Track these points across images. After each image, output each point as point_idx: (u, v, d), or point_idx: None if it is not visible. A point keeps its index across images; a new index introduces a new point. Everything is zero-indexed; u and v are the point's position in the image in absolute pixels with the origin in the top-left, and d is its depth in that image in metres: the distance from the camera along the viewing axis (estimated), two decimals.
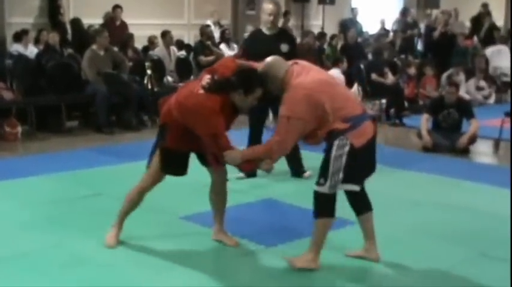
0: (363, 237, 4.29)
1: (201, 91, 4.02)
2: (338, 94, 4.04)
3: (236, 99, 4.06)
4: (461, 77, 11.47)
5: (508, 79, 12.70)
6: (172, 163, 4.33)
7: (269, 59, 4.20)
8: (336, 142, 3.95)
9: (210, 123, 3.98)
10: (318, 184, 4.02)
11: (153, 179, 4.42)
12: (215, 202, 4.57)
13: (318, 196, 4.04)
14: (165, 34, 10.75)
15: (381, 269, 4.22)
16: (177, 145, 4.24)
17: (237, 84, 3.99)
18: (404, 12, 15.11)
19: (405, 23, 14.64)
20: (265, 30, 6.27)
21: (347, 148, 3.93)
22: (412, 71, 11.13)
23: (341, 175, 3.95)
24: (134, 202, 4.49)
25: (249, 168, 4.29)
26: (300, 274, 4.09)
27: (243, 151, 4.21)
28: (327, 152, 4.01)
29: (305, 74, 4.03)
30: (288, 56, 6.23)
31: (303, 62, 4.23)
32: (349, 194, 4.18)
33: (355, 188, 4.09)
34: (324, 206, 4.04)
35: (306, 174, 6.41)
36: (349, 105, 4.02)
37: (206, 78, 4.07)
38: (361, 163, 4.05)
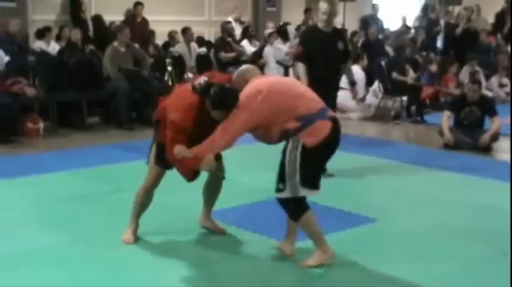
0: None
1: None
2: (291, 92, 3.98)
3: (208, 106, 3.99)
4: (477, 70, 11.29)
5: None
6: (164, 156, 4.29)
7: (244, 67, 4.29)
8: (289, 143, 3.92)
9: (177, 113, 4.04)
10: (278, 190, 3.99)
11: (154, 176, 4.46)
12: (209, 195, 4.70)
13: (283, 202, 4.02)
14: (185, 31, 10.79)
15: (402, 267, 4.19)
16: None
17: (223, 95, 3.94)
18: (425, 8, 14.99)
19: (427, 19, 14.52)
20: (321, 27, 6.31)
21: (299, 149, 3.87)
22: (433, 68, 11.05)
23: (298, 178, 3.89)
24: (142, 202, 4.54)
25: (191, 164, 4.04)
26: (300, 273, 4.08)
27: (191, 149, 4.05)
28: (282, 154, 3.98)
29: (264, 77, 4.17)
30: (343, 54, 6.38)
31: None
32: None
33: (315, 193, 4.02)
34: (294, 209, 4.03)
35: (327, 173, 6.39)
36: (301, 104, 3.93)
37: (201, 79, 4.13)
38: (317, 165, 4.02)
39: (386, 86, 10.11)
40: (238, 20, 12.94)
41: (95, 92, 9.00)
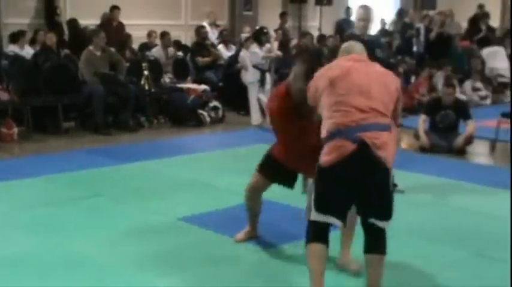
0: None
1: None
2: (344, 94, 3.42)
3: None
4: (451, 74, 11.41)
5: (504, 80, 12.73)
6: (271, 168, 4.36)
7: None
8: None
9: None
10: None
11: (253, 182, 4.49)
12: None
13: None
14: (163, 35, 10.74)
15: None
16: (281, 156, 4.30)
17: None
18: (400, 13, 15.12)
19: (402, 24, 14.65)
20: (359, 34, 6.22)
21: (318, 165, 3.46)
22: (400, 69, 11.11)
23: (313, 197, 3.49)
24: (248, 206, 4.58)
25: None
26: (299, 277, 4.08)
27: None
28: None
29: (348, 60, 3.67)
30: (381, 61, 6.34)
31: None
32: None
33: (331, 220, 3.46)
34: (306, 233, 3.57)
35: None
36: (339, 114, 3.40)
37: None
38: (329, 189, 3.44)
39: None
40: (213, 24, 12.93)
41: (71, 96, 8.92)
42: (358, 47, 3.79)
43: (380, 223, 3.45)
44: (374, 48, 6.08)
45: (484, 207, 5.64)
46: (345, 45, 3.89)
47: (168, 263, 4.26)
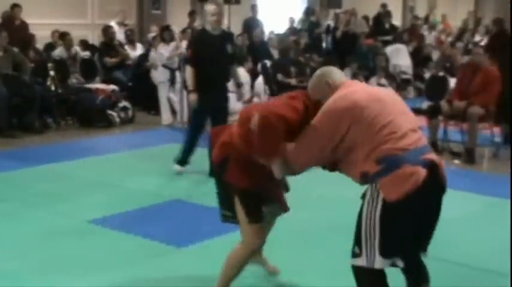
0: None
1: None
2: (383, 118, 2.94)
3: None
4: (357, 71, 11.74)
5: (407, 77, 13.23)
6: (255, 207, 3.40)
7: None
8: (368, 194, 2.95)
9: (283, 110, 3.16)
10: (353, 254, 3.00)
11: (252, 235, 3.44)
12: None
13: (355, 271, 3.01)
14: (64, 36, 10.45)
15: (292, 266, 4.27)
16: (246, 182, 3.34)
17: None
18: (307, 11, 15.41)
19: (309, 22, 14.94)
20: (210, 30, 6.33)
21: (379, 204, 2.88)
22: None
23: (377, 243, 2.88)
24: (239, 267, 3.54)
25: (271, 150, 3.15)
26: (212, 275, 4.09)
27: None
28: (361, 206, 3.01)
29: (354, 85, 3.18)
30: (232, 57, 6.50)
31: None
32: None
33: (398, 264, 2.98)
34: (366, 284, 3.02)
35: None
36: (391, 139, 2.89)
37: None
38: (402, 228, 2.91)
39: (272, 88, 10.32)
40: (122, 23, 12.74)
41: None
42: (336, 70, 3.29)
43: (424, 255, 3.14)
44: (225, 43, 6.34)
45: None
46: (323, 73, 3.26)
47: (79, 266, 4.19)
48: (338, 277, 3.80)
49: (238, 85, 7.05)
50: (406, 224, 2.91)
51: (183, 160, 6.55)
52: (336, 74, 3.22)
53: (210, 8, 6.31)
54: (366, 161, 2.91)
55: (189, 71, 6.33)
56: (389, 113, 2.96)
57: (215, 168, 3.50)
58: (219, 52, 6.31)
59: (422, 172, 2.86)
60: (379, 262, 2.89)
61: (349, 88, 3.09)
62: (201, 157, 7.39)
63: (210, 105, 6.38)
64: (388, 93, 3.19)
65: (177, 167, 6.55)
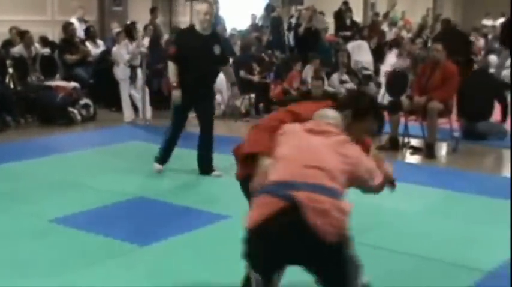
0: None
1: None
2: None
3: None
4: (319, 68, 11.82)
5: (368, 73, 13.37)
6: None
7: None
8: None
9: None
10: None
11: None
12: None
13: None
14: (23, 34, 10.28)
15: None
16: None
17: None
18: (268, 8, 15.45)
19: (271, 19, 14.99)
20: (200, 30, 6.18)
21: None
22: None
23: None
24: None
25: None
26: (176, 274, 4.11)
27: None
28: None
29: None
30: (219, 59, 6.29)
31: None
32: None
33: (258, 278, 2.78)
34: None
35: (215, 173, 6.43)
36: (280, 168, 2.81)
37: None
38: (252, 253, 2.73)
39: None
40: (82, 20, 12.61)
41: None
42: (330, 113, 3.06)
43: None
44: (213, 44, 6.18)
45: (350, 195, 5.84)
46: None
47: (40, 266, 4.15)
48: None
49: (233, 84, 7.04)
50: (257, 253, 2.71)
51: (162, 159, 6.47)
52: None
53: (201, 7, 6.17)
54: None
55: (172, 67, 6.22)
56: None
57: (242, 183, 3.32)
58: (206, 53, 6.15)
59: (278, 204, 2.62)
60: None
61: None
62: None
63: (192, 105, 6.35)
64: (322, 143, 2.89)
65: (157, 166, 6.46)
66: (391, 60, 11.48)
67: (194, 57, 6.12)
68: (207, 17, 6.10)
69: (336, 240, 2.61)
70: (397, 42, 12.86)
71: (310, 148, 2.85)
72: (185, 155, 6.72)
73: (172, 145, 6.45)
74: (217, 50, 6.24)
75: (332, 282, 2.71)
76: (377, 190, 3.08)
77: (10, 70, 9.25)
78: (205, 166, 6.44)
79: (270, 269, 2.78)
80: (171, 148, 6.47)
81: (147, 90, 9.67)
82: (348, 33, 15.06)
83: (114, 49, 9.91)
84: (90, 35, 11.83)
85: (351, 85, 12.53)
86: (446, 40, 9.29)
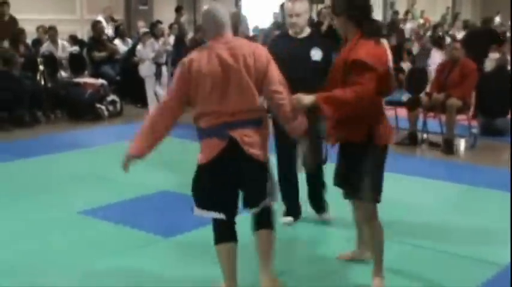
0: None
1: None
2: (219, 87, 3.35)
3: None
4: None
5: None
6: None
7: None
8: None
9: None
10: None
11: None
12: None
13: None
14: (48, 30, 10.56)
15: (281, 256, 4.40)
16: None
17: None
18: (283, 6, 15.50)
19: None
20: (292, 33, 4.81)
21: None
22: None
23: (193, 197, 3.55)
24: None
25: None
26: (199, 265, 4.22)
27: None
28: None
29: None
30: (320, 66, 4.58)
31: None
32: None
33: (213, 215, 3.51)
34: (213, 229, 3.60)
35: (326, 216, 5.02)
36: (210, 111, 3.38)
37: None
38: (206, 185, 3.47)
39: None
40: (110, 18, 12.86)
41: None
42: (222, 11, 3.48)
43: (261, 207, 3.52)
44: (310, 48, 4.72)
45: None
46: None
47: (68, 256, 4.28)
48: None
49: None
50: (208, 184, 3.44)
51: (288, 210, 5.00)
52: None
53: (287, 6, 4.84)
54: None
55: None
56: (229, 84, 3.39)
57: None
58: (300, 59, 4.64)
59: (220, 144, 3.35)
60: (197, 211, 3.53)
61: None
62: (187, 148, 7.57)
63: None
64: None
65: (286, 219, 4.95)
66: (436, 57, 11.42)
67: (286, 65, 4.05)
68: (293, 19, 4.76)
69: (263, 160, 3.43)
70: (438, 41, 12.81)
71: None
72: None
73: (288, 188, 4.85)
74: (316, 55, 4.73)
75: (255, 191, 3.48)
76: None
77: (41, 67, 9.50)
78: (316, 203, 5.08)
79: (218, 192, 3.45)
80: (291, 193, 4.94)
81: None
82: None
83: (139, 47, 10.13)
84: (120, 33, 12.07)
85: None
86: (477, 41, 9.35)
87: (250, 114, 3.38)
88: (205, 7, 3.63)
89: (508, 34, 14.88)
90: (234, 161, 3.37)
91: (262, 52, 3.45)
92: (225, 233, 3.52)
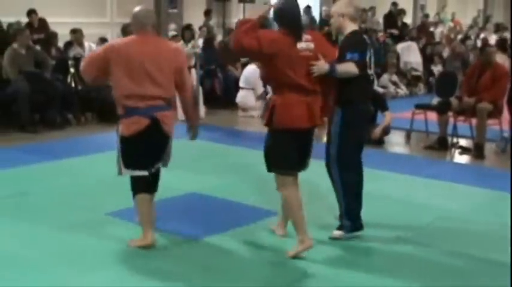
0: None
1: None
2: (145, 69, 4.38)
3: None
4: None
5: (417, 73, 13.34)
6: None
7: None
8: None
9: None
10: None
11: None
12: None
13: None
14: (74, 32, 10.65)
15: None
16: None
17: None
18: (307, 10, 15.44)
19: (321, 20, 15.04)
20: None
21: (119, 135, 4.48)
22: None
23: (121, 159, 4.48)
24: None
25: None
26: (227, 267, 4.25)
27: None
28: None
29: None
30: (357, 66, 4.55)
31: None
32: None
33: (140, 173, 4.47)
34: (132, 185, 4.57)
35: (336, 233, 4.84)
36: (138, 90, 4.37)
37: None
38: (131, 152, 4.45)
39: None
40: None
41: None
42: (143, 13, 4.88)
43: (164, 166, 4.66)
44: (345, 52, 4.59)
45: (400, 194, 5.97)
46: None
47: (98, 257, 4.32)
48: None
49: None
50: (134, 151, 4.43)
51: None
52: None
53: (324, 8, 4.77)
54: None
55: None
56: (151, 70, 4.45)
57: None
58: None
59: (144, 120, 4.36)
60: (125, 171, 4.50)
61: None
62: (215, 152, 7.61)
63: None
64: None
65: (337, 233, 4.82)
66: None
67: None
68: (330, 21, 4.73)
69: (170, 135, 4.54)
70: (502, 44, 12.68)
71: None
72: (237, 153, 6.85)
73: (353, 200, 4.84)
74: (349, 56, 4.59)
75: (166, 155, 4.63)
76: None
77: (72, 70, 9.61)
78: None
79: (142, 156, 4.45)
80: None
81: (200, 89, 9.91)
82: (395, 31, 15.02)
83: None
84: None
85: (401, 86, 12.54)
86: None
87: (167, 100, 4.44)
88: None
89: None
90: (154, 135, 4.41)
91: (180, 52, 4.78)
92: (144, 185, 4.50)
